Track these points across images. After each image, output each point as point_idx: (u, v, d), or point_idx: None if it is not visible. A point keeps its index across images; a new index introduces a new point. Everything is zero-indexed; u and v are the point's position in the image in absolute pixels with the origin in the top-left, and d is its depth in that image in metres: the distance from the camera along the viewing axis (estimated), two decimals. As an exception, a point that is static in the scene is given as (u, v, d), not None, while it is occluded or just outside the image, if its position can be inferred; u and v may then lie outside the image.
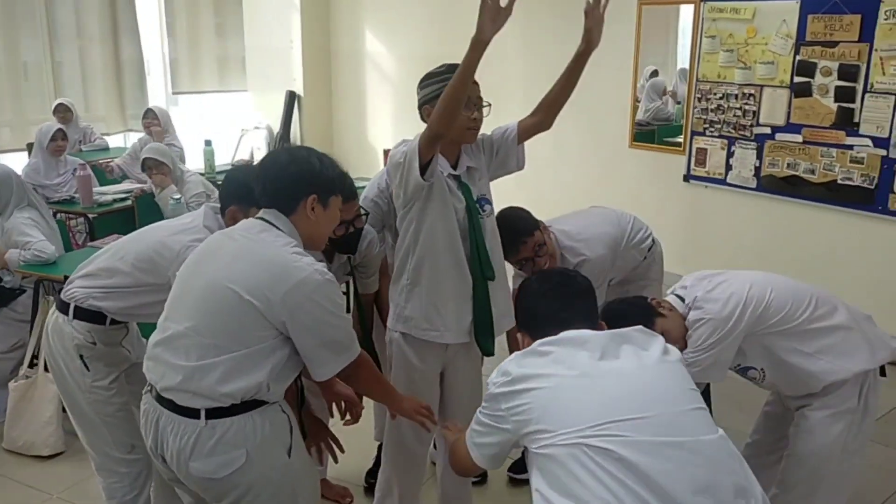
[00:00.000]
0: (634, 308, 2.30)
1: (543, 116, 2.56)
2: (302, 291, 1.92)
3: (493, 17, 2.11)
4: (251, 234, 2.03)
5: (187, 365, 1.91)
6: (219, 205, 2.53)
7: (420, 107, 2.48)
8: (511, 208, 2.97)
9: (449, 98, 2.19)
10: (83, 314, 2.49)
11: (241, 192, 2.40)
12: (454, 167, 2.49)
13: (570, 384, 1.62)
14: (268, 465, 1.97)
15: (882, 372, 2.42)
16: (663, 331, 2.21)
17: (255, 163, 6.30)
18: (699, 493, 1.49)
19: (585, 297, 1.87)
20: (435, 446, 2.93)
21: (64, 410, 3.50)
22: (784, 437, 2.48)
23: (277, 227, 2.02)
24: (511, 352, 3.00)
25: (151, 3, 8.64)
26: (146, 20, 8.51)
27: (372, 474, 3.20)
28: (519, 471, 3.28)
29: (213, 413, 1.90)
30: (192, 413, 1.91)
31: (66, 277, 2.75)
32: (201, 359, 1.90)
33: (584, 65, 2.50)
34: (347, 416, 2.48)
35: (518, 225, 2.88)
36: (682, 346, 2.27)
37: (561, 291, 1.86)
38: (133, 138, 8.27)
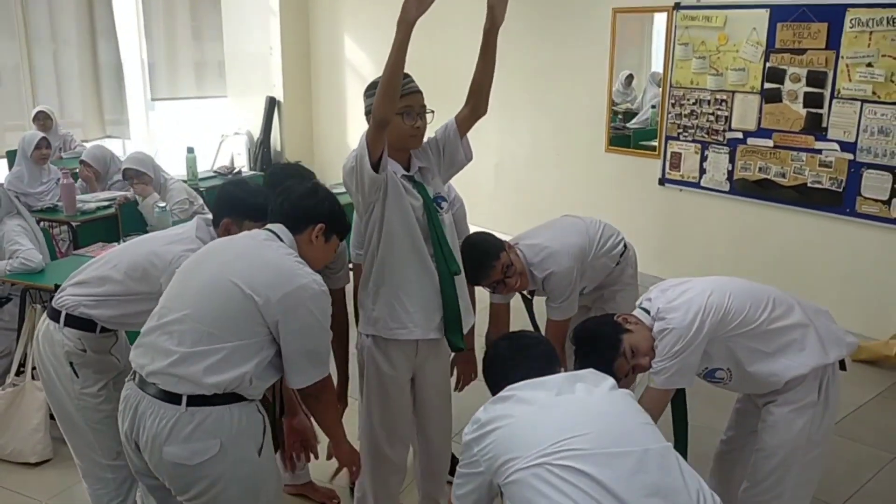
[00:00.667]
0: (603, 326, 2.41)
1: (475, 102, 2.58)
2: (300, 296, 2.05)
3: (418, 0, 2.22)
4: (256, 239, 2.18)
5: (180, 350, 2.00)
6: (210, 216, 2.59)
7: (367, 114, 2.51)
8: (474, 234, 3.03)
9: (386, 81, 2.27)
10: (74, 322, 2.54)
11: (236, 205, 2.50)
12: (407, 169, 2.56)
13: (529, 416, 1.79)
14: (238, 459, 2.05)
15: (842, 366, 2.53)
16: (632, 345, 2.34)
17: (236, 169, 6.37)
18: (651, 496, 1.62)
19: (537, 356, 2.06)
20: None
21: (52, 418, 3.56)
22: (754, 433, 2.58)
23: (281, 240, 2.18)
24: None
25: (129, 9, 8.63)
26: (124, 25, 8.49)
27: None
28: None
29: (195, 400, 1.98)
30: (174, 398, 1.99)
31: (56, 286, 2.80)
32: (195, 345, 1.99)
33: (493, 43, 2.49)
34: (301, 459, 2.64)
35: (484, 249, 2.93)
36: (653, 357, 2.37)
37: (517, 359, 2.06)
38: (110, 145, 8.29)
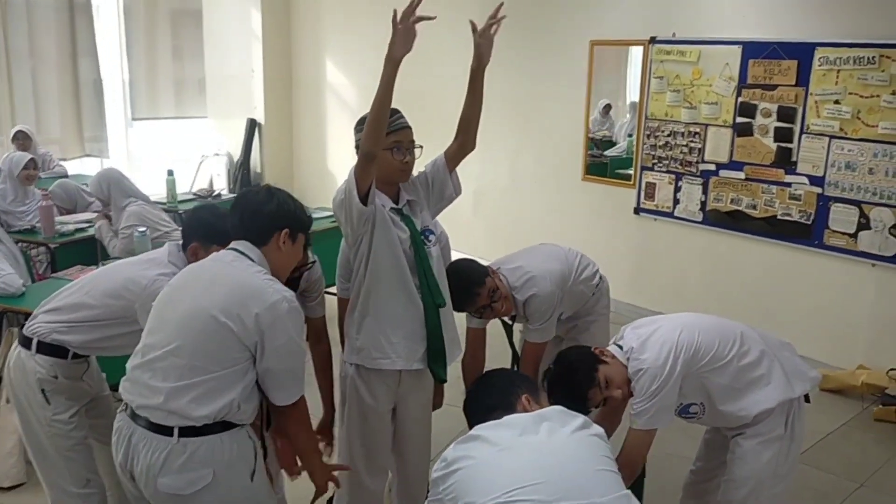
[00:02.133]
0: (581, 357, 2.48)
1: (463, 138, 2.65)
2: (273, 314, 2.08)
3: (404, 39, 2.29)
4: (224, 261, 2.19)
5: (165, 385, 2.03)
6: (181, 241, 2.64)
7: (357, 148, 2.54)
8: (458, 261, 3.07)
9: (373, 116, 2.34)
10: (46, 349, 2.55)
11: (204, 229, 2.55)
12: (395, 202, 2.61)
13: (490, 459, 1.82)
14: (231, 486, 2.09)
15: (807, 399, 2.61)
16: (607, 377, 2.40)
17: (216, 192, 6.40)
18: None
19: (493, 384, 2.17)
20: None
21: (25, 442, 3.56)
22: (723, 464, 2.65)
23: (249, 257, 2.19)
24: (465, 381, 3.16)
25: (111, 27, 8.63)
26: (105, 44, 8.49)
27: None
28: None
29: (186, 431, 2.01)
30: (165, 431, 2.02)
31: (30, 313, 2.81)
32: (179, 380, 2.02)
33: (480, 81, 2.57)
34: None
35: (470, 276, 2.98)
36: (626, 391, 2.45)
37: (479, 391, 2.19)
38: (90, 164, 8.26)
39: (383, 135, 2.40)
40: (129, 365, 2.16)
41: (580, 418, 1.95)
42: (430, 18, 2.30)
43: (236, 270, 2.15)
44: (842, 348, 4.83)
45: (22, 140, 6.40)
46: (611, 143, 6.39)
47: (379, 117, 2.34)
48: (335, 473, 2.49)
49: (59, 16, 7.95)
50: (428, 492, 2.85)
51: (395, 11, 2.28)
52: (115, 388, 2.49)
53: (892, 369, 4.57)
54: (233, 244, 2.24)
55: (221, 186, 8.20)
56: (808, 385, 2.56)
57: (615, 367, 2.44)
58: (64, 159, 7.59)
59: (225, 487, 2.07)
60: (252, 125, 8.75)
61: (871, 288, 4.73)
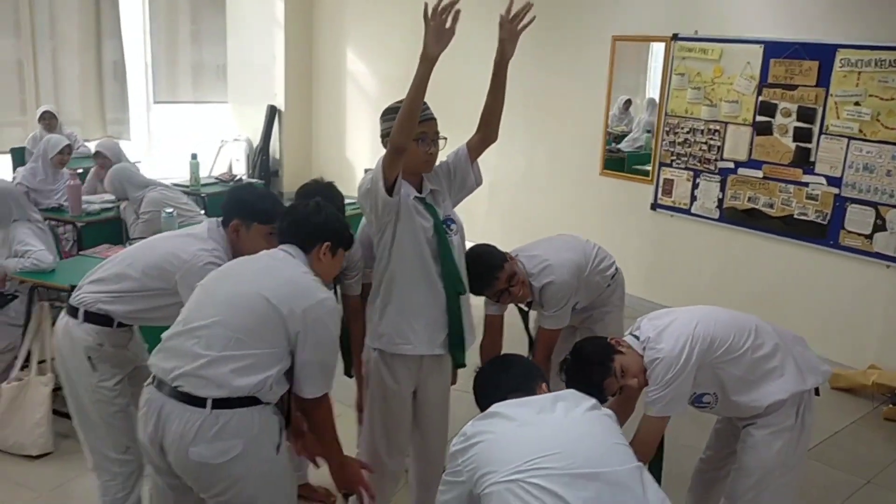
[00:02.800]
0: (597, 347, 2.55)
1: (486, 130, 2.71)
2: (319, 310, 2.20)
3: (437, 36, 2.32)
4: (276, 258, 2.32)
5: (209, 353, 2.11)
6: (220, 218, 2.71)
7: (382, 138, 2.63)
8: (478, 246, 3.14)
9: (406, 111, 2.39)
10: (92, 318, 2.65)
11: (245, 208, 2.63)
12: (419, 191, 2.68)
13: (510, 432, 1.92)
14: (258, 459, 2.17)
15: (816, 392, 2.67)
16: (623, 366, 2.47)
17: (237, 177, 6.49)
18: None
19: (517, 373, 2.24)
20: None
21: (55, 413, 3.66)
22: (733, 453, 2.72)
23: (298, 258, 2.33)
24: (482, 362, 3.23)
25: (135, 10, 8.71)
26: (128, 26, 8.57)
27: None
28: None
29: (218, 403, 2.09)
30: (198, 402, 2.10)
31: (72, 287, 2.90)
32: (223, 350, 2.11)
33: (503, 75, 2.61)
34: None
35: (488, 261, 3.05)
36: (642, 380, 2.51)
37: (500, 376, 2.25)
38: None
39: (414, 129, 2.46)
40: (165, 335, 2.24)
41: (592, 400, 2.04)
42: (455, 8, 2.33)
43: (288, 267, 2.29)
44: (854, 348, 4.88)
45: (48, 120, 6.51)
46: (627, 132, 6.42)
47: (412, 113, 2.40)
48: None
49: (86, 2, 8.04)
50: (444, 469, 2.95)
51: (425, 6, 2.31)
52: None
53: (903, 370, 4.62)
54: (283, 246, 2.37)
55: (240, 171, 8.29)
56: (819, 378, 2.62)
57: (631, 356, 2.50)
58: (87, 140, 7.69)
59: (252, 459, 2.15)
60: (272, 112, 8.82)
61: (885, 289, 4.77)
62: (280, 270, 2.27)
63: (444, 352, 2.74)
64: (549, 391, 2.16)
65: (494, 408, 2.02)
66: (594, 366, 2.47)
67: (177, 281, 2.53)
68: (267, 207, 2.61)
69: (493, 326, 3.32)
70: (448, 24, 2.31)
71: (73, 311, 2.68)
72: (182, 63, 9.06)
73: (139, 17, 8.76)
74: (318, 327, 2.20)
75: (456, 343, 2.72)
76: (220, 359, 2.11)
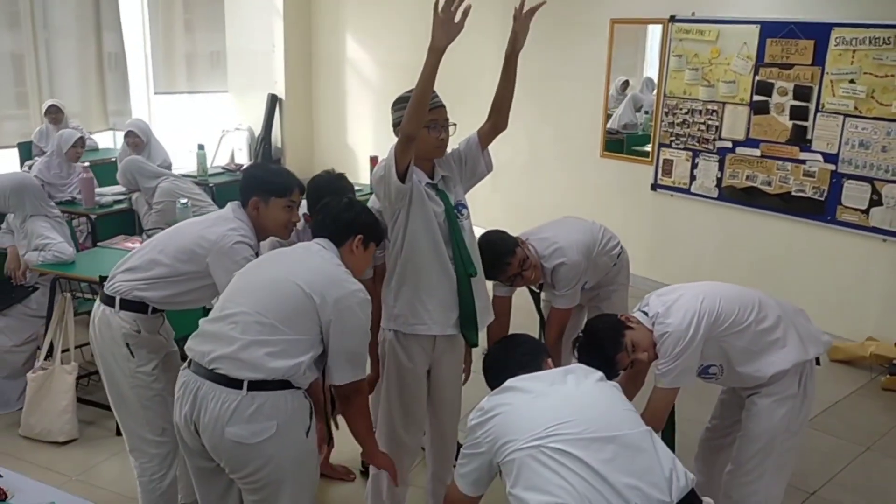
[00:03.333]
0: (608, 324, 2.68)
1: (496, 118, 2.80)
2: (351, 300, 2.31)
3: (445, 28, 2.40)
4: (310, 251, 2.44)
5: (245, 337, 2.22)
6: (238, 201, 2.81)
7: (394, 127, 2.71)
8: (489, 232, 3.24)
9: (416, 101, 2.48)
10: (128, 305, 2.75)
11: (261, 184, 2.76)
12: (431, 177, 2.78)
13: (526, 403, 2.03)
14: (290, 440, 2.27)
15: (817, 362, 2.79)
16: (633, 341, 2.59)
17: (243, 165, 6.57)
18: (629, 475, 1.86)
19: (524, 351, 2.38)
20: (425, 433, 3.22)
21: (79, 400, 3.78)
22: (737, 422, 2.84)
23: (332, 251, 2.45)
24: (490, 342, 3.35)
25: (134, 3, 8.74)
26: (127, 18, 8.58)
27: (367, 460, 3.49)
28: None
29: (254, 385, 2.19)
30: (235, 384, 2.19)
31: (101, 278, 3.00)
32: (259, 334, 2.22)
33: (514, 66, 2.72)
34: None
35: (500, 247, 3.16)
36: (651, 354, 2.63)
37: (508, 354, 2.39)
38: (119, 137, 8.40)
39: (424, 118, 2.56)
40: (202, 321, 2.35)
41: (599, 373, 2.17)
42: (466, 7, 2.42)
43: (321, 259, 2.40)
44: (852, 321, 5.00)
45: (55, 114, 6.58)
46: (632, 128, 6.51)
47: (421, 102, 2.48)
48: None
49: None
50: (459, 449, 3.06)
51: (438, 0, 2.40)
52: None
53: (900, 341, 4.74)
54: (317, 240, 2.48)
55: (243, 160, 8.36)
56: (820, 348, 2.74)
57: (640, 331, 2.62)
58: (90, 132, 7.74)
59: (285, 440, 2.25)
60: (273, 100, 8.89)
61: (882, 263, 4.88)
62: (313, 262, 2.38)
63: (456, 332, 2.83)
64: (555, 367, 2.28)
65: (508, 383, 2.14)
66: (606, 342, 2.58)
67: (207, 263, 2.64)
68: (281, 181, 2.74)
69: (501, 309, 3.43)
70: (457, 19, 2.40)
71: (108, 301, 2.78)
72: (181, 53, 9.08)
73: (138, 8, 8.79)
74: (349, 316, 2.30)
75: (467, 323, 2.82)
76: (256, 342, 2.21)
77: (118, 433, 3.78)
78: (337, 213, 2.53)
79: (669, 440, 2.75)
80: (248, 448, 2.21)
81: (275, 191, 2.73)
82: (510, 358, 2.34)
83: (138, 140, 5.50)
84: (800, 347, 2.67)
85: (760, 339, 2.65)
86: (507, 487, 1.99)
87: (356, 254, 2.49)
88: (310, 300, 2.26)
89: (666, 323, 2.58)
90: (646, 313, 2.67)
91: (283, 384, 2.24)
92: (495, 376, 2.29)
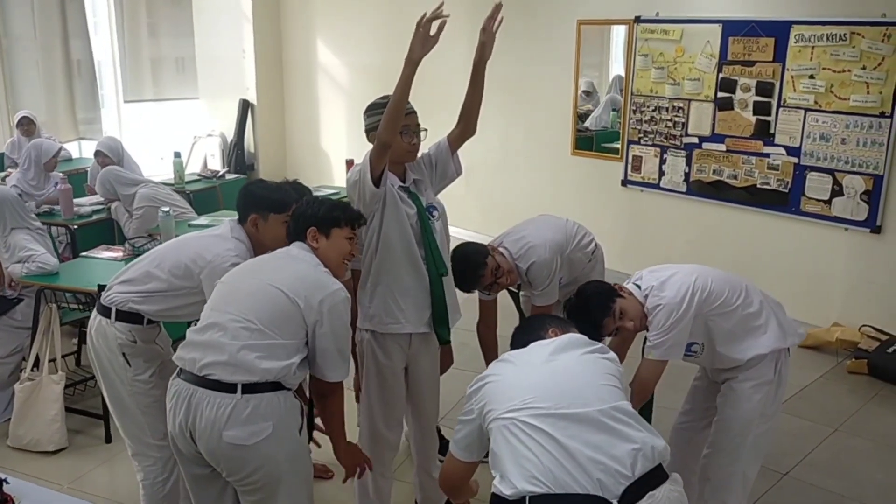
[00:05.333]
0: (600, 289, 2.78)
1: (465, 124, 2.92)
2: (333, 300, 2.37)
3: (422, 41, 2.53)
4: (290, 255, 2.50)
5: (235, 343, 2.27)
6: (235, 218, 2.88)
7: (367, 132, 2.83)
8: (461, 246, 3.32)
9: (392, 109, 2.59)
10: (123, 316, 2.80)
11: (259, 201, 2.81)
12: (403, 181, 2.88)
13: (510, 374, 2.12)
14: (286, 439, 2.34)
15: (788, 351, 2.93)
16: (622, 309, 2.69)
17: (220, 172, 6.58)
18: (593, 450, 1.90)
19: (528, 328, 2.44)
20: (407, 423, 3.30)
21: (67, 409, 3.82)
22: (711, 407, 2.96)
23: (308, 253, 2.51)
24: (482, 345, 3.46)
25: (101, 11, 8.70)
26: (94, 28, 8.53)
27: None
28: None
29: (248, 388, 2.24)
30: (229, 388, 2.24)
31: (100, 287, 3.05)
32: (249, 339, 2.27)
33: (481, 74, 2.83)
34: None
35: (472, 260, 3.25)
36: (638, 325, 2.74)
37: (516, 335, 2.45)
38: (86, 146, 8.35)
39: (399, 125, 2.67)
40: (189, 332, 2.39)
41: (596, 344, 2.22)
42: (443, 17, 2.52)
43: (301, 263, 2.45)
44: (818, 307, 5.17)
45: (27, 125, 6.55)
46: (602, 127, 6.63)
47: (397, 111, 2.59)
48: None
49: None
50: (442, 442, 3.15)
51: (425, 14, 2.50)
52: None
53: (864, 326, 4.92)
54: (293, 244, 2.54)
55: (216, 167, 8.36)
56: (796, 339, 2.88)
57: (631, 301, 2.72)
58: (61, 143, 7.68)
59: (281, 439, 2.31)
60: (245, 106, 8.91)
61: (845, 251, 5.06)
62: (293, 266, 2.44)
63: (429, 330, 2.94)
64: (560, 333, 2.31)
65: (505, 355, 2.26)
66: (595, 306, 2.69)
67: (201, 280, 2.69)
68: (279, 197, 2.78)
69: (487, 310, 3.55)
70: (433, 32, 2.51)
71: (105, 311, 2.83)
72: (150, 60, 9.02)
73: (104, 13, 8.74)
74: (334, 316, 2.36)
75: (439, 321, 2.92)
76: (246, 347, 2.26)
77: (107, 441, 3.84)
78: (292, 217, 2.61)
79: (647, 415, 2.86)
80: (246, 450, 2.26)
81: (273, 207, 2.77)
82: (517, 337, 2.41)
83: (108, 160, 5.37)
84: (779, 335, 2.80)
85: (745, 323, 2.76)
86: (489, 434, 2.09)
87: (319, 245, 2.52)
88: (295, 305, 2.32)
89: (660, 296, 2.68)
90: (639, 286, 2.77)
91: (275, 385, 2.30)
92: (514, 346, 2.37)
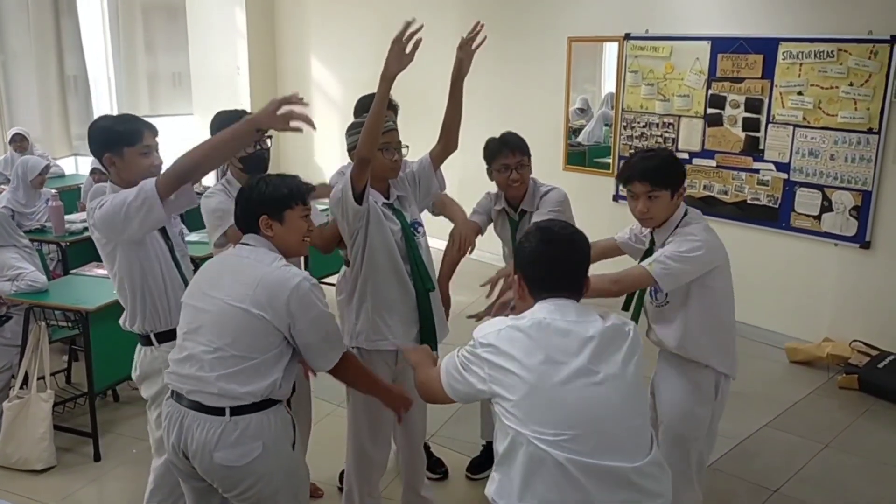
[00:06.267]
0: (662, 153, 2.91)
1: (446, 140, 2.93)
2: (298, 294, 2.28)
3: (398, 58, 2.54)
4: (241, 256, 2.38)
5: (212, 374, 2.24)
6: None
7: (349, 151, 2.84)
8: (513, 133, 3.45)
9: (369, 125, 2.60)
10: (164, 336, 2.74)
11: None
12: (387, 197, 2.89)
13: (546, 382, 1.84)
14: (278, 456, 2.33)
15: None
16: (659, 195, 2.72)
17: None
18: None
19: (579, 269, 2.06)
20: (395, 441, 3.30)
21: (56, 427, 3.80)
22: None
23: (260, 248, 2.38)
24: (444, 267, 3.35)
25: (95, 27, 8.73)
26: (89, 42, 8.56)
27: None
28: (476, 471, 3.70)
29: (236, 410, 2.24)
30: (217, 411, 2.24)
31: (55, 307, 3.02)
32: (227, 368, 2.25)
33: (459, 90, 2.83)
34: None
35: (513, 139, 3.39)
36: (658, 223, 2.78)
37: (564, 261, 2.04)
38: (81, 162, 8.37)
39: (378, 141, 2.68)
40: (171, 358, 2.38)
41: (631, 334, 1.98)
42: (416, 30, 2.52)
43: (254, 265, 2.32)
44: (808, 323, 5.18)
45: (20, 142, 6.57)
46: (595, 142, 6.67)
47: (374, 127, 2.61)
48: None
49: (43, 14, 7.99)
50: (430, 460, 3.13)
51: (404, 30, 2.51)
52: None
53: (854, 341, 4.93)
54: (244, 239, 2.41)
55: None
56: (734, 372, 2.89)
57: (673, 206, 2.77)
58: (54, 158, 7.70)
59: (272, 457, 2.31)
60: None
61: (835, 266, 5.08)
62: (248, 273, 2.31)
63: (417, 345, 2.92)
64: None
65: (527, 322, 1.92)
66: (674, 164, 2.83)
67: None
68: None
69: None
70: (408, 50, 2.54)
71: (146, 341, 2.79)
72: (146, 75, 9.08)
73: (99, 29, 8.78)
74: (306, 309, 2.29)
75: (427, 336, 2.92)
76: (225, 376, 2.24)
77: (96, 459, 3.84)
78: (240, 200, 2.43)
79: (637, 308, 2.91)
80: (238, 469, 2.26)
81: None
82: (563, 272, 2.03)
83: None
84: (726, 358, 2.81)
85: (716, 321, 2.77)
86: (493, 407, 1.94)
87: (275, 232, 2.38)
88: (261, 320, 2.26)
89: (694, 233, 2.69)
90: (686, 212, 2.84)
91: (265, 403, 2.29)
92: (539, 279, 2.02)
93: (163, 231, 2.76)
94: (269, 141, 3.07)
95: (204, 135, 2.93)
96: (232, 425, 2.24)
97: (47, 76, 8.10)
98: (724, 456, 3.86)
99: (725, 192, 5.49)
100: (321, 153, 8.72)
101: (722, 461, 3.83)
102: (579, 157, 6.52)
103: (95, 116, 8.41)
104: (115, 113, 8.94)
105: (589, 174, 6.37)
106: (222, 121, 2.85)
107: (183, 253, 2.90)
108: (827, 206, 5.01)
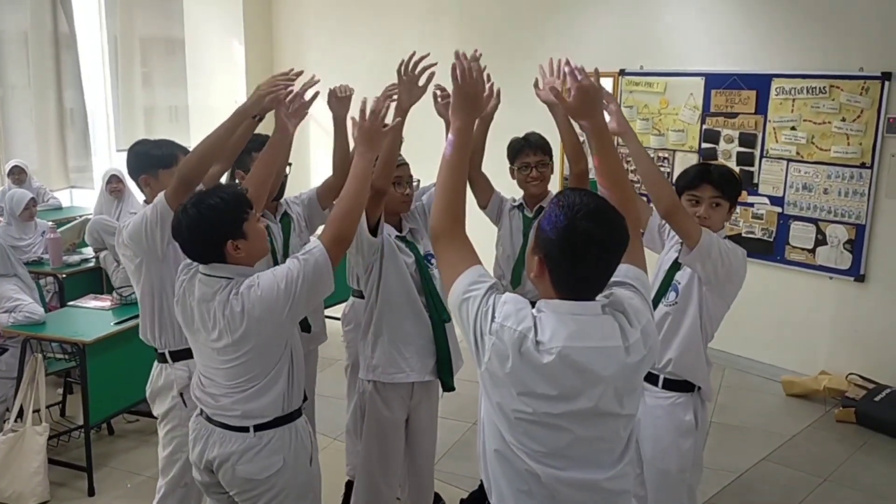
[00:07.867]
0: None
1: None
2: (256, 301, 2.20)
3: (408, 90, 2.60)
4: (207, 297, 2.27)
5: (231, 400, 2.31)
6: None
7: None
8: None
9: (385, 158, 2.65)
10: (178, 355, 2.78)
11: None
12: (399, 231, 2.93)
13: (538, 414, 1.67)
14: (297, 470, 2.40)
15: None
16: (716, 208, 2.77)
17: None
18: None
19: (610, 266, 1.78)
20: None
21: (50, 461, 3.77)
22: None
23: (219, 276, 2.26)
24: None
25: (95, 60, 8.81)
26: (87, 77, 8.63)
27: (341, 510, 3.53)
28: (473, 502, 3.67)
29: (260, 427, 2.33)
30: (242, 429, 2.34)
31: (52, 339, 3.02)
32: (243, 394, 2.31)
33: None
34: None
35: (536, 139, 3.46)
36: (716, 228, 2.80)
37: (598, 256, 1.71)
38: (77, 195, 8.39)
39: (392, 174, 2.74)
40: (193, 383, 2.46)
41: (635, 392, 1.80)
42: (430, 65, 2.60)
43: (230, 304, 2.21)
44: (805, 356, 5.19)
45: (17, 174, 6.59)
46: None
47: (390, 159, 2.67)
48: None
49: (43, 48, 8.07)
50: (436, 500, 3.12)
51: (409, 61, 2.57)
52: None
53: (850, 374, 4.94)
54: (204, 271, 2.26)
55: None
56: (708, 402, 2.89)
57: (724, 222, 2.85)
58: (51, 191, 7.72)
59: (291, 471, 2.38)
60: (236, 154, 8.93)
61: (830, 299, 5.10)
62: (221, 315, 2.23)
63: (433, 378, 2.95)
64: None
65: (555, 358, 1.63)
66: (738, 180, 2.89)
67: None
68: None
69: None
70: (421, 83, 2.57)
71: (162, 359, 2.83)
72: (143, 109, 9.13)
73: (99, 64, 8.86)
74: (271, 298, 2.20)
75: (444, 368, 2.94)
76: (241, 401, 2.32)
77: (90, 494, 3.79)
78: (189, 234, 2.22)
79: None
80: (260, 482, 2.35)
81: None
82: (593, 271, 1.72)
83: (121, 185, 5.60)
84: (707, 378, 2.82)
85: (706, 339, 2.81)
86: (480, 369, 1.72)
87: (243, 250, 2.24)
88: (265, 343, 2.27)
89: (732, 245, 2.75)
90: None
91: (286, 418, 2.36)
92: (563, 271, 1.70)
93: None
94: (288, 168, 3.11)
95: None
96: (255, 440, 2.33)
97: (46, 109, 8.15)
98: (723, 490, 3.85)
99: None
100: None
101: (721, 495, 3.81)
102: (575, 190, 6.54)
103: (93, 149, 8.64)
104: (115, 147, 9.04)
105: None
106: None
107: None
108: (821, 240, 5.05)
